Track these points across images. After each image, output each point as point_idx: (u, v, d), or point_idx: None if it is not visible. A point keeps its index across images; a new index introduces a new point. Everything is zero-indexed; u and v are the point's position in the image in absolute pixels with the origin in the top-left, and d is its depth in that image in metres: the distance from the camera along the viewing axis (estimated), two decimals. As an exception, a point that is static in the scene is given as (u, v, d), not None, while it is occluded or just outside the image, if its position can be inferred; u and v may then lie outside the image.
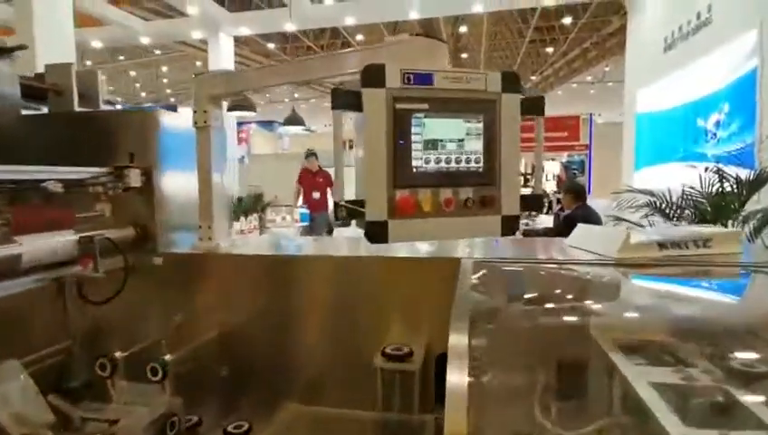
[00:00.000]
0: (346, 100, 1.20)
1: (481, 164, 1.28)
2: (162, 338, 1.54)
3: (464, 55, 15.43)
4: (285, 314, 1.67)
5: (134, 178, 1.66)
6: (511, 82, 1.30)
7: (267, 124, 20.09)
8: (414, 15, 9.26)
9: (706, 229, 1.53)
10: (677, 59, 5.77)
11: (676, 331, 1.15)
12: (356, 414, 1.54)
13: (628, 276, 1.39)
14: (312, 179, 8.16)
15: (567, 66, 16.11)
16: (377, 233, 1.22)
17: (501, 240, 1.79)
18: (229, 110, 6.42)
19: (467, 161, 1.27)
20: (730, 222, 3.47)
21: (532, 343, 1.15)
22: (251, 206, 7.23)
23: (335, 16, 9.99)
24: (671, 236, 1.40)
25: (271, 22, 10.09)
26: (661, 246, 1.38)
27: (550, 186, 11.70)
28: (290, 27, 9.60)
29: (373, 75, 1.20)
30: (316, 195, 8.07)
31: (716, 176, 3.60)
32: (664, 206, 3.82)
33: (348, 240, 2.26)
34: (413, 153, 1.22)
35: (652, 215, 3.83)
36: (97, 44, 10.64)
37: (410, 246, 1.65)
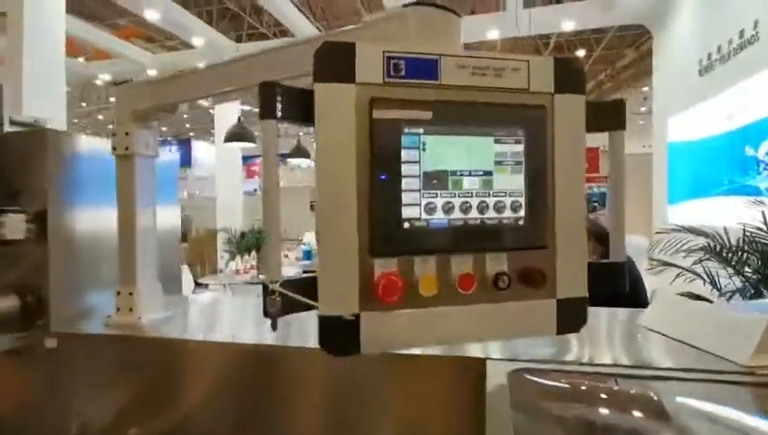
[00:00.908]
0: (284, 103, 0.69)
1: (521, 213, 0.75)
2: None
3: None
4: (238, 427, 1.12)
5: (13, 226, 1.15)
6: (570, 75, 0.78)
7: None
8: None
9: None
10: (716, 82, 5.23)
11: None
12: None
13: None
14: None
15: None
16: (339, 336, 0.69)
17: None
18: (226, 141, 6.00)
19: (498, 209, 0.74)
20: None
21: None
22: (253, 242, 6.74)
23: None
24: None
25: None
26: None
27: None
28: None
29: (334, 60, 0.69)
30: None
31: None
32: (720, 249, 3.22)
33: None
34: (404, 196, 0.70)
35: (707, 259, 3.23)
36: (105, 77, 10.47)
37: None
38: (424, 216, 0.71)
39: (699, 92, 5.62)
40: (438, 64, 0.72)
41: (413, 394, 0.99)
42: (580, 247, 0.78)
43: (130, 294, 1.21)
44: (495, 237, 0.74)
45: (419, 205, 0.71)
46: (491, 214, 0.74)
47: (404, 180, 0.70)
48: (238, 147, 7.98)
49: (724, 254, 3.16)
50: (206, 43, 8.50)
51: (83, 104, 13.27)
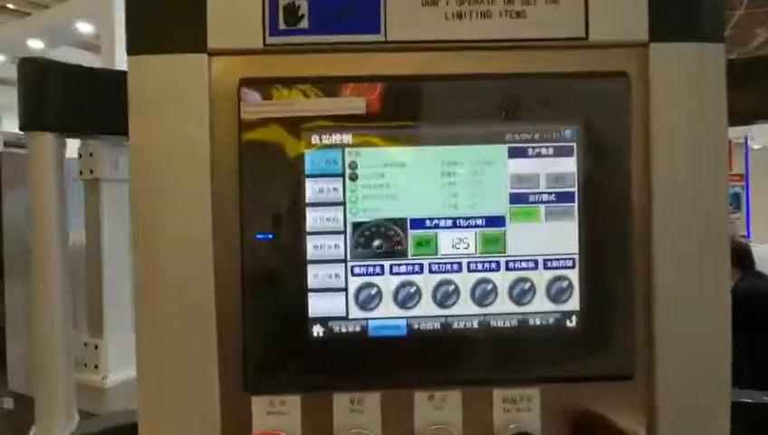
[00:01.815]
0: (63, 100, 0.37)
1: (571, 302, 0.35)
2: None
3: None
4: None
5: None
6: (686, 5, 0.36)
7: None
8: None
9: None
10: None
11: None
12: None
13: None
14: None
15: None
16: None
17: None
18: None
19: (519, 295, 0.35)
20: None
21: None
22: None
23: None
24: None
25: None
26: None
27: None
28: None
29: (163, 11, 0.35)
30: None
31: None
32: None
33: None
34: (310, 272, 0.34)
35: None
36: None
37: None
38: (355, 312, 0.35)
39: None
40: (381, 2, 0.35)
41: None
42: (722, 374, 0.36)
43: (96, 347, 0.98)
44: (512, 357, 0.36)
45: (344, 290, 0.35)
46: (502, 306, 0.35)
47: (310, 241, 0.35)
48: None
49: None
50: None
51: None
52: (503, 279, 0.35)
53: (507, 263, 0.35)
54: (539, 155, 0.35)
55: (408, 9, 0.35)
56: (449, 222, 0.35)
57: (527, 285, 0.35)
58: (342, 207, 0.35)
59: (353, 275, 0.35)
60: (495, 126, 0.35)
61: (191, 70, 0.34)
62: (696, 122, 0.36)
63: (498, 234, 0.35)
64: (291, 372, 0.36)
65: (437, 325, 0.35)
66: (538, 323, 0.35)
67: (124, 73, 0.34)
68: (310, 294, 0.35)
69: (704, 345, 0.36)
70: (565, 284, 0.35)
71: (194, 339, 0.35)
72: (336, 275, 0.35)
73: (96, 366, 0.97)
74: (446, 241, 0.35)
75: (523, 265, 0.35)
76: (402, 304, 0.35)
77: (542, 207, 0.35)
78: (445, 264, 0.35)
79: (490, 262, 0.35)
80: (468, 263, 0.35)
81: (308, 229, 0.35)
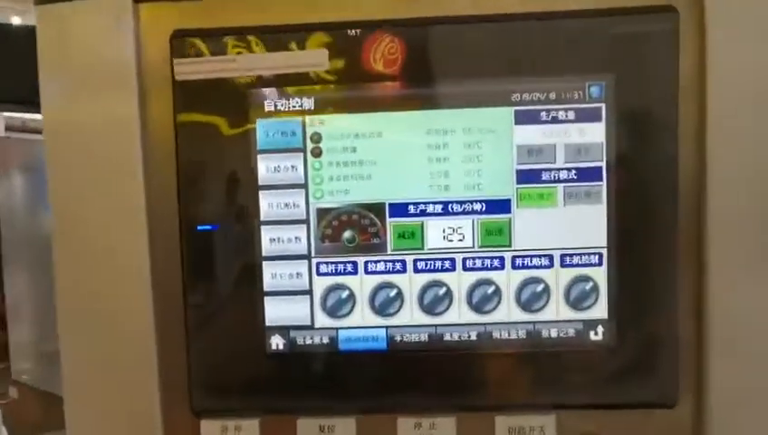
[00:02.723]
0: None
1: (599, 310, 0.27)
2: None
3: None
4: None
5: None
6: None
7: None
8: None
9: None
10: None
11: None
12: None
13: None
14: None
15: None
16: None
17: None
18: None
19: (528, 301, 0.27)
20: None
21: None
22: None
23: None
24: None
25: None
26: None
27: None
28: None
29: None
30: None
31: None
32: None
33: None
34: (266, 271, 0.28)
35: None
36: None
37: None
38: (322, 320, 0.28)
39: None
40: None
41: None
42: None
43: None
44: (520, 377, 0.28)
45: (308, 293, 0.28)
46: (507, 313, 0.28)
47: (265, 233, 0.28)
48: None
49: None
50: None
51: None
52: (508, 280, 0.28)
53: (514, 259, 0.28)
54: (555, 120, 0.27)
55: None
56: (439, 207, 0.28)
57: (539, 288, 0.28)
58: (304, 190, 0.28)
59: (319, 274, 0.28)
60: (498, 83, 0.27)
61: (112, 20, 0.27)
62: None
63: (502, 222, 0.28)
64: (246, 392, 0.29)
65: (425, 337, 0.28)
66: (553, 334, 0.28)
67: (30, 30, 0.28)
68: (266, 298, 0.28)
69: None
70: (589, 286, 0.27)
71: (129, 354, 0.29)
72: (298, 275, 0.28)
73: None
74: (436, 231, 0.28)
75: (535, 261, 0.28)
76: (381, 311, 0.28)
77: (560, 188, 0.27)
78: (434, 260, 0.28)
79: (492, 258, 0.28)
80: (464, 259, 0.28)
81: (262, 218, 0.28)
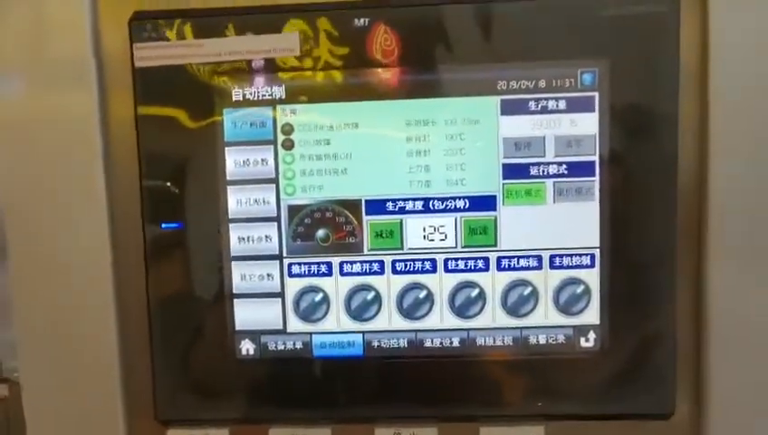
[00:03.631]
0: None
1: (591, 314, 0.25)
2: None
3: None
4: None
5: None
6: None
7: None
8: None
9: None
10: None
11: None
12: None
13: None
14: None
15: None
16: None
17: None
18: None
19: (515, 305, 0.26)
20: None
21: None
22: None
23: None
24: None
25: None
26: None
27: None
28: None
29: None
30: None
31: None
32: None
33: None
34: (234, 272, 0.26)
35: None
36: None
37: None
38: (295, 325, 0.26)
39: None
40: None
41: None
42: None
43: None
44: (506, 386, 0.27)
45: (280, 295, 0.26)
46: (492, 318, 0.26)
47: (233, 231, 0.26)
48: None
49: None
50: None
51: None
52: (493, 282, 0.26)
53: (499, 260, 0.26)
54: (544, 110, 0.25)
55: None
56: (419, 204, 0.26)
57: (527, 291, 0.26)
58: (275, 186, 0.26)
59: (291, 275, 0.26)
60: (482, 69, 0.25)
61: (68, 6, 0.26)
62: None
63: (487, 220, 0.26)
64: (215, 400, 0.28)
65: (404, 343, 0.26)
66: (542, 341, 0.26)
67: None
68: (236, 300, 0.26)
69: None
70: (580, 289, 0.26)
71: (90, 359, 0.27)
72: (269, 277, 0.26)
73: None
74: (416, 230, 0.26)
75: (522, 263, 0.26)
76: (357, 315, 0.26)
77: (549, 184, 0.25)
78: (413, 261, 0.26)
79: (476, 259, 0.26)
80: (446, 260, 0.26)
81: (230, 216, 0.26)
